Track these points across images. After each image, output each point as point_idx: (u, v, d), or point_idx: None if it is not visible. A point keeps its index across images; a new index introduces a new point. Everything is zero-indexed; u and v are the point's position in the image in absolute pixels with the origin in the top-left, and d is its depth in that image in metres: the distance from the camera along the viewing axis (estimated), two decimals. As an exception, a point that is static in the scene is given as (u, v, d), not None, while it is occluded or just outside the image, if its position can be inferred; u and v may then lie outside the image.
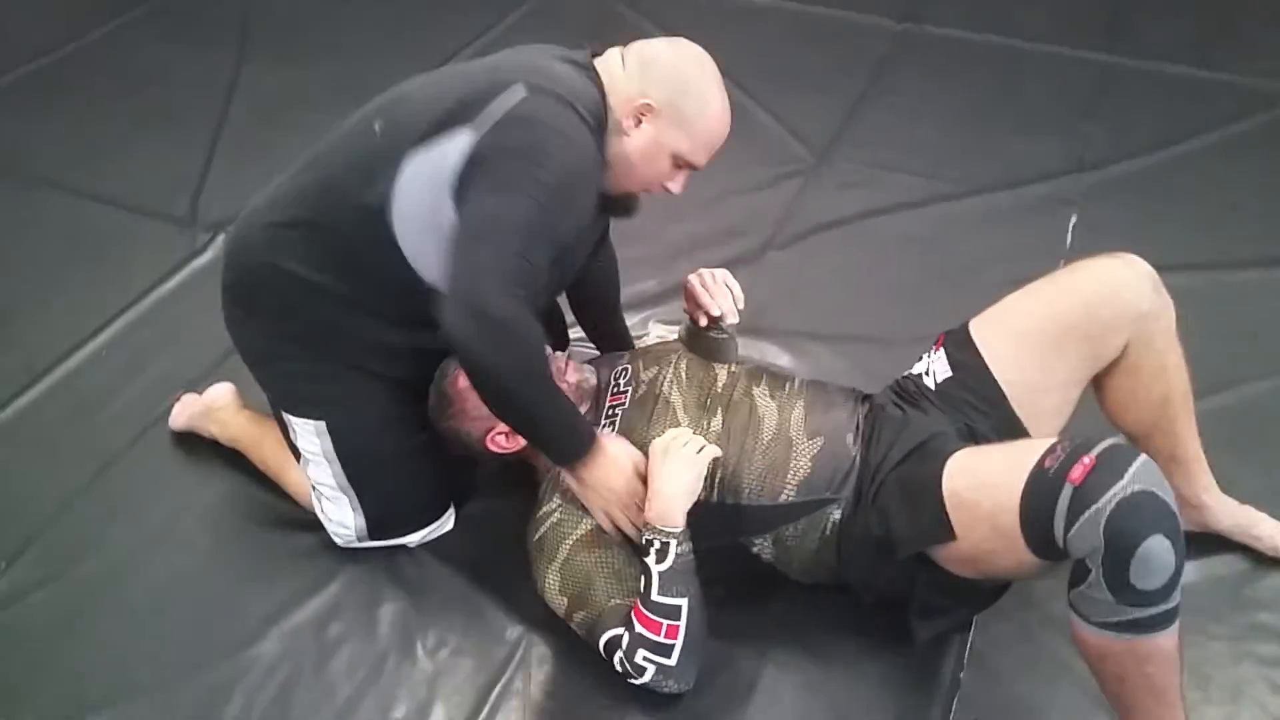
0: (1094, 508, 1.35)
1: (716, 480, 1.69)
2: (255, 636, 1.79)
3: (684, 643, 1.59)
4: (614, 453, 1.66)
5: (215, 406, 2.10)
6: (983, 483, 1.53)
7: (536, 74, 1.63)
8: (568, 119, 1.59)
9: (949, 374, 1.76)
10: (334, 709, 1.70)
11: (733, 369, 1.83)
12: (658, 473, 1.63)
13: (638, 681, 1.62)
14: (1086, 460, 1.39)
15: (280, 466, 1.98)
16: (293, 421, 1.82)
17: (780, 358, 2.29)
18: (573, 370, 1.79)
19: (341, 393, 1.78)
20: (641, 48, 1.72)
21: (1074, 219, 2.63)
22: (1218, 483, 1.85)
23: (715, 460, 1.68)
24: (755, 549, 1.73)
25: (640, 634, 1.60)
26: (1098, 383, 1.75)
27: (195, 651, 1.78)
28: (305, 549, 1.92)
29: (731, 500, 1.69)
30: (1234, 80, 3.10)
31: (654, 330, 2.33)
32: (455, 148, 1.58)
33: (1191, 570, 1.86)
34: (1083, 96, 3.08)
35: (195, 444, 2.12)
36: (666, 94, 1.66)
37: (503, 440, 1.76)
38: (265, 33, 3.43)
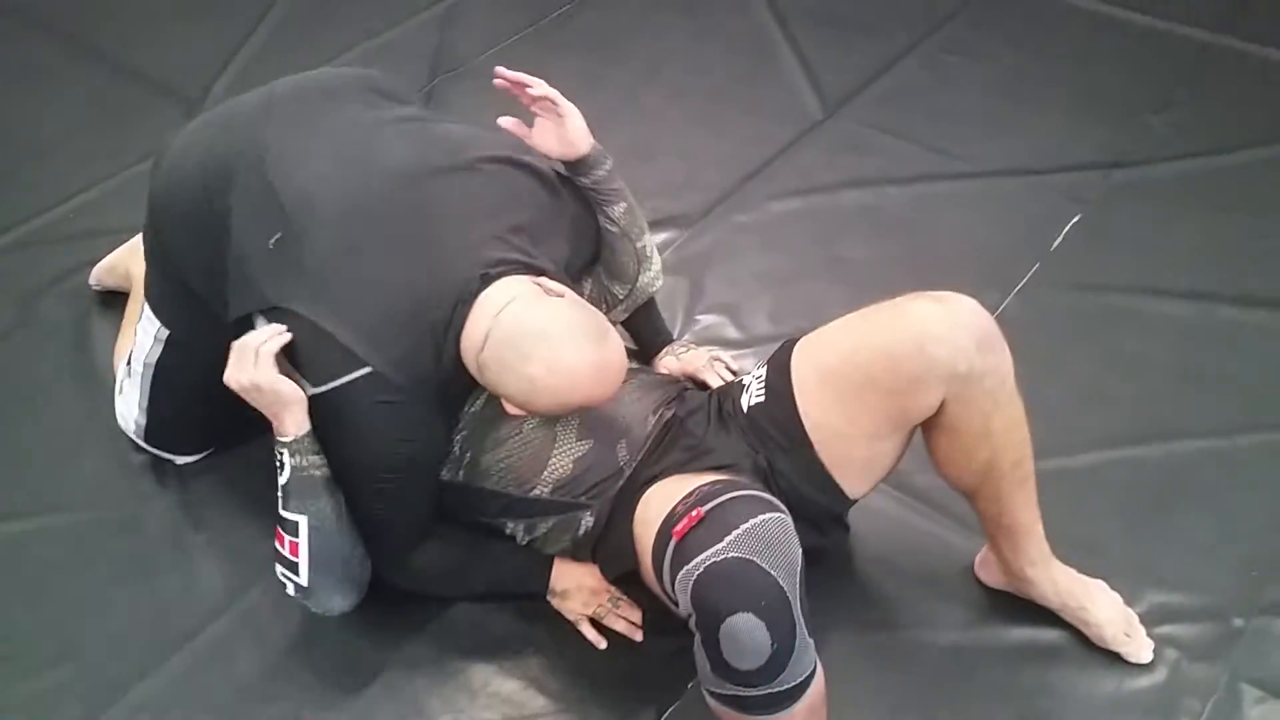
0: (685, 569, 1.22)
1: (464, 461, 1.62)
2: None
3: (310, 563, 1.51)
4: (565, 570, 1.66)
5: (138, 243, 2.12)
6: (645, 518, 1.42)
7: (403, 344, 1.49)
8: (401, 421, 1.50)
9: (761, 398, 1.58)
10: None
11: None
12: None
13: (290, 594, 1.57)
14: (695, 513, 1.25)
15: (131, 322, 2.00)
16: (146, 311, 1.85)
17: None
18: None
19: (194, 319, 1.79)
20: (501, 371, 1.45)
21: (1076, 219, 2.32)
22: (1087, 544, 1.65)
23: (465, 439, 1.61)
24: (509, 530, 1.66)
25: (274, 547, 1.55)
26: (924, 428, 1.54)
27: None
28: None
29: (476, 484, 1.62)
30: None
31: None
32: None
33: (998, 636, 1.65)
34: (1163, 79, 2.69)
35: None
36: (520, 402, 1.48)
37: None
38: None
